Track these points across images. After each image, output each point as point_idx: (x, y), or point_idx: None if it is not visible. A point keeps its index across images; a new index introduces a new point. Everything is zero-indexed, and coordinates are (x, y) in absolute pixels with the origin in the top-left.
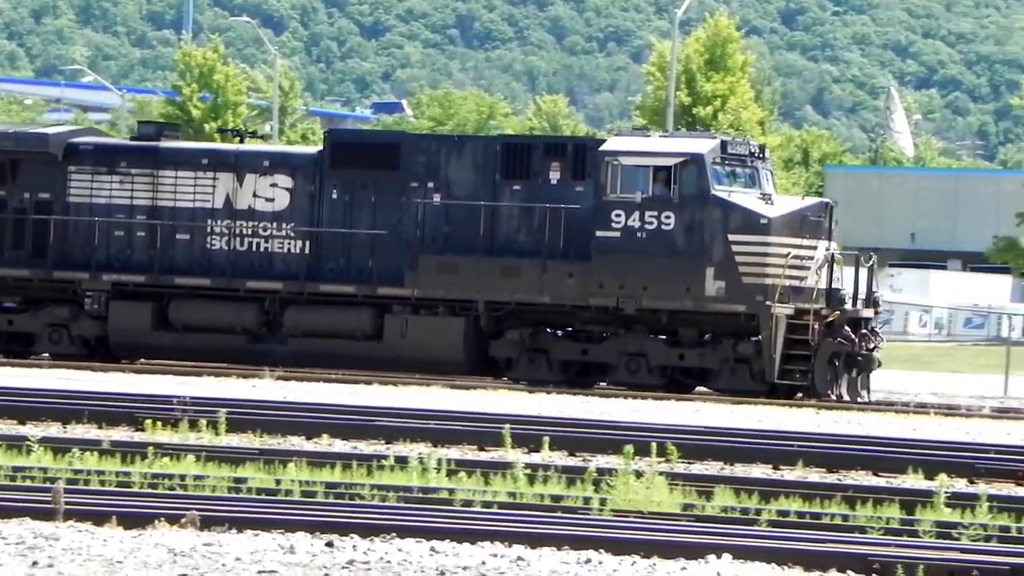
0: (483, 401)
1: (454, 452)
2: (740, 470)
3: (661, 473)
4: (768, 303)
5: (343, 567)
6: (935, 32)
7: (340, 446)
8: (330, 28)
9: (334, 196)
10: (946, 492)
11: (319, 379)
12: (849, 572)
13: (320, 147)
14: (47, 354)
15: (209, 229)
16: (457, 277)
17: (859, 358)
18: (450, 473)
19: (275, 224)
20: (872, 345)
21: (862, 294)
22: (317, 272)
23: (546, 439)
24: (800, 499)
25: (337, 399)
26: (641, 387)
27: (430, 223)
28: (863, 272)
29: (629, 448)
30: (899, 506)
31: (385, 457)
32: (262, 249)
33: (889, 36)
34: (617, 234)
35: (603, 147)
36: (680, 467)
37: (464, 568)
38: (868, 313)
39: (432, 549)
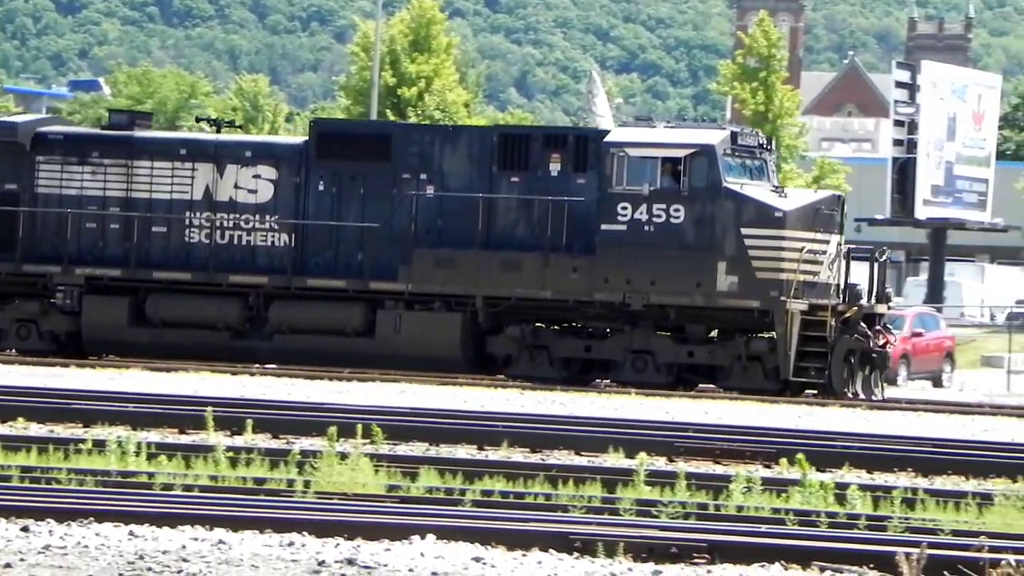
0: (188, 384)
1: (154, 435)
2: (445, 451)
3: (366, 455)
4: (783, 299)
5: (39, 552)
6: (635, 17)
7: (36, 429)
8: (25, 4)
9: (320, 188)
10: (646, 470)
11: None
12: (551, 550)
13: (305, 137)
14: (13, 350)
15: (188, 222)
16: (454, 271)
17: (874, 355)
18: (150, 456)
19: (258, 216)
20: (885, 342)
21: (872, 289)
22: (303, 266)
23: (249, 422)
24: (504, 479)
25: (33, 382)
26: (648, 385)
27: (424, 216)
28: (862, 267)
29: (333, 430)
30: (600, 485)
31: (83, 441)
32: (244, 242)
33: (591, 20)
34: (623, 227)
35: (608, 138)
36: (385, 448)
37: (164, 552)
38: (882, 309)
39: (131, 533)
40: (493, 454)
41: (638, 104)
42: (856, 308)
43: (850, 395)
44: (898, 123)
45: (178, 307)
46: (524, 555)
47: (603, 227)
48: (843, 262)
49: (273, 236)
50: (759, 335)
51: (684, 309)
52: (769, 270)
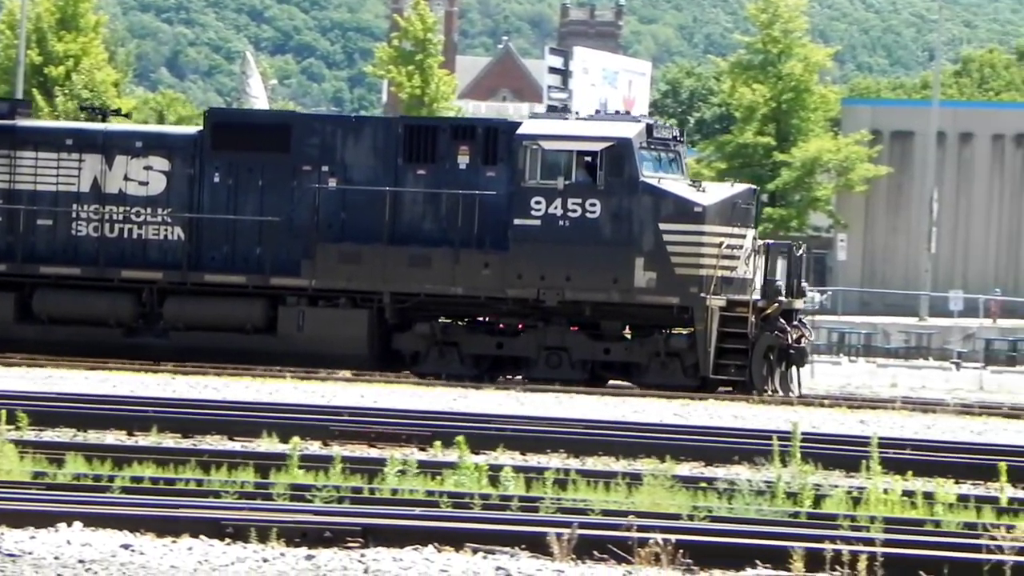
0: None
1: None
2: (93, 436)
3: (11, 441)
4: (703, 295)
5: None
6: None
7: None
8: None
9: (216, 180)
10: (300, 455)
11: None
12: (202, 536)
13: (200, 127)
14: None
15: (75, 214)
16: (360, 267)
17: (792, 351)
18: None
19: (150, 209)
20: (802, 337)
21: (788, 285)
22: (198, 261)
23: None
24: (155, 465)
25: None
26: (565, 383)
27: (326, 209)
28: (775, 262)
29: None
30: (254, 470)
31: None
32: (135, 236)
33: (244, 1)
34: (537, 222)
35: (520, 130)
36: (31, 434)
37: None
38: (799, 304)
39: None
40: (143, 440)
41: (293, 86)
42: (776, 304)
43: (769, 392)
44: (552, 108)
45: (67, 303)
46: (174, 541)
47: (516, 222)
48: (760, 257)
49: (166, 230)
50: (678, 332)
51: (600, 305)
52: (688, 266)
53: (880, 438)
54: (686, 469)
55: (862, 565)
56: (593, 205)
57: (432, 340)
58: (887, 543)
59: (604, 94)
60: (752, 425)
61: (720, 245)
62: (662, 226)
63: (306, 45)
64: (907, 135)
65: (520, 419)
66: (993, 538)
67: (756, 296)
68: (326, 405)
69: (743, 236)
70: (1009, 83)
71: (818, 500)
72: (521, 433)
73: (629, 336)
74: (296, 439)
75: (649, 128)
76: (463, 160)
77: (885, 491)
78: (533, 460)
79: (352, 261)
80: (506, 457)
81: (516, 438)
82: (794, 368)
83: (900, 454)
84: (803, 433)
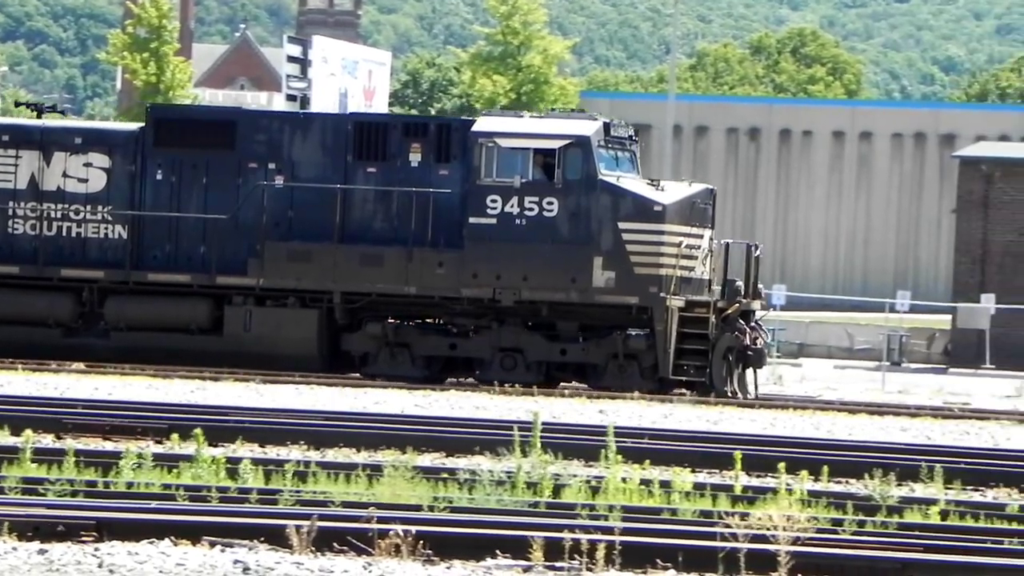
0: None
1: None
2: None
3: None
4: (663, 295)
5: None
6: None
7: None
8: None
9: (158, 177)
10: (32, 448)
11: None
12: None
13: (142, 124)
14: None
15: (11, 212)
16: (310, 266)
17: (750, 353)
18: None
19: (89, 207)
20: (758, 339)
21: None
22: (140, 259)
23: None
24: None
25: None
26: (521, 384)
27: (273, 207)
28: (723, 262)
29: None
30: None
31: None
32: (74, 234)
33: None
34: (493, 221)
35: (475, 128)
36: None
37: None
38: (756, 306)
39: None
40: None
41: (24, 73)
42: (736, 305)
43: (729, 393)
44: (291, 97)
45: (5, 303)
46: None
47: (471, 220)
48: (716, 257)
49: (107, 228)
50: (636, 332)
51: (557, 305)
52: (648, 265)
53: (617, 428)
54: (427, 460)
55: (600, 554)
56: (550, 204)
57: (383, 341)
58: (625, 531)
59: (344, 84)
60: (494, 416)
61: (680, 245)
62: (621, 225)
63: (38, 31)
64: (644, 128)
65: (259, 411)
66: (728, 526)
67: (714, 296)
68: (59, 398)
69: (701, 236)
70: (743, 77)
71: (558, 490)
72: (260, 425)
73: (586, 337)
74: (28, 432)
75: (606, 126)
76: (415, 158)
77: (624, 480)
78: (272, 452)
79: (301, 260)
80: (245, 450)
81: (255, 430)
82: (751, 369)
83: (638, 443)
84: (544, 423)
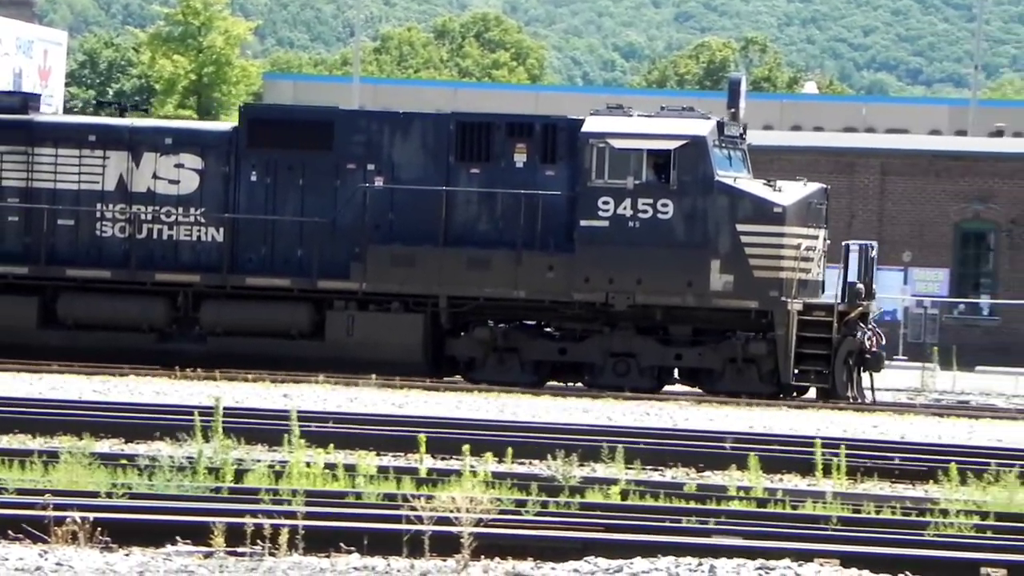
0: None
1: None
2: None
3: None
4: (784, 299)
5: None
6: None
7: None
8: None
9: (253, 178)
10: None
11: None
12: None
13: (235, 123)
14: None
15: (99, 214)
16: (414, 270)
17: (868, 356)
18: None
19: (181, 209)
20: (877, 342)
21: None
22: (235, 263)
23: None
24: None
25: None
26: (632, 390)
27: (374, 210)
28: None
29: None
30: None
31: None
32: (165, 237)
33: None
34: (605, 223)
35: (585, 128)
36: None
37: None
38: (873, 308)
39: None
40: None
41: None
42: (859, 308)
43: (850, 398)
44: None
45: (95, 307)
46: None
47: (582, 223)
48: (845, 259)
49: (200, 230)
50: (757, 336)
51: (672, 310)
52: (768, 268)
53: (301, 412)
54: (106, 446)
55: (284, 538)
56: (665, 205)
57: (491, 346)
58: (308, 516)
59: (19, 64)
60: (175, 401)
61: (799, 247)
62: (739, 227)
63: None
64: None
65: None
66: (413, 508)
67: (832, 298)
68: None
69: (817, 237)
70: (427, 61)
71: (240, 475)
72: None
73: (701, 341)
74: None
75: (720, 125)
76: (520, 158)
77: (308, 464)
78: None
79: (405, 263)
80: None
81: None
82: (869, 373)
83: (323, 427)
84: (226, 408)
